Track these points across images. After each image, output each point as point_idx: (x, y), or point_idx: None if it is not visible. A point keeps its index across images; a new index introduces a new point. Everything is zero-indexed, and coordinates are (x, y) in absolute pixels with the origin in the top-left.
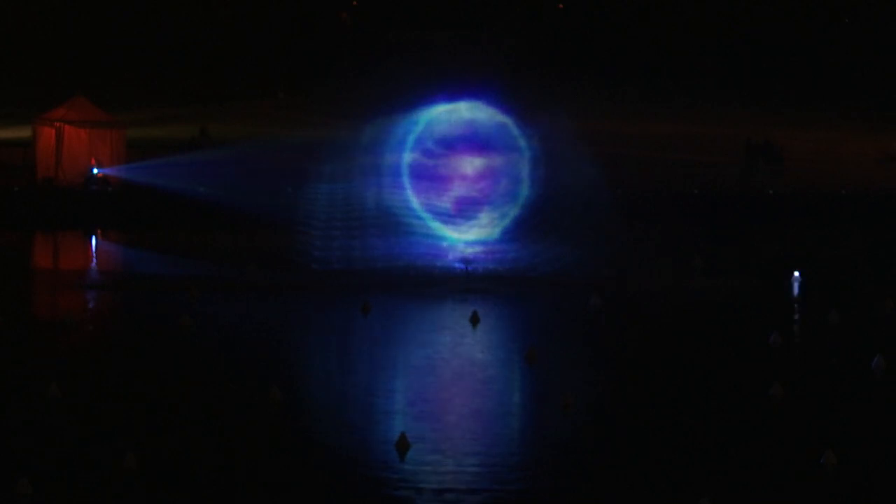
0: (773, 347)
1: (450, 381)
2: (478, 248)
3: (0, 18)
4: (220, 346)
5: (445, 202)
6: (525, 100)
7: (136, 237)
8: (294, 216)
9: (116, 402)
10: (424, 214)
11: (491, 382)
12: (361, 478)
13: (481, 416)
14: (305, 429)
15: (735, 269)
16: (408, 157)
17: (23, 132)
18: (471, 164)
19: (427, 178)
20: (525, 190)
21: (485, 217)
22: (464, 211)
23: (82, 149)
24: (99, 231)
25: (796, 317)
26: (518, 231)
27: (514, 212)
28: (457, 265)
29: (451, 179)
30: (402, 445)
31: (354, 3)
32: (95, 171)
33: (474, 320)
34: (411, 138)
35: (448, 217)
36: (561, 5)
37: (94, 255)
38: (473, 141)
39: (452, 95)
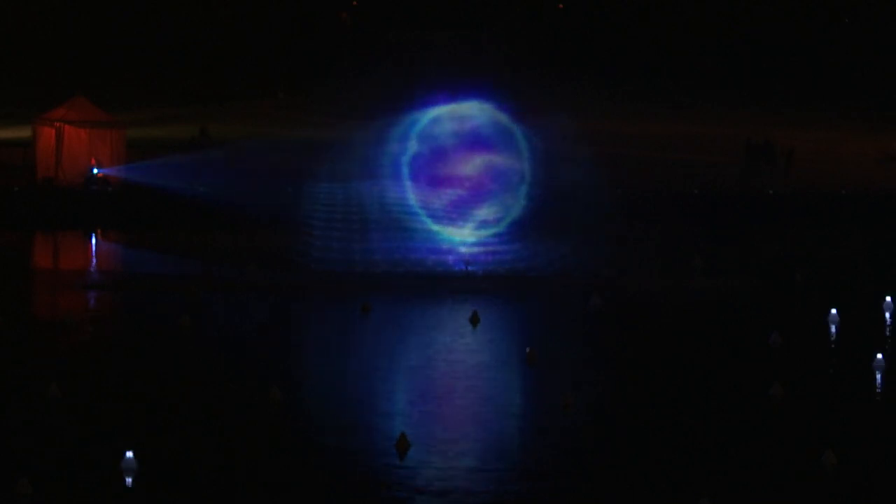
0: (773, 347)
1: (450, 381)
2: (478, 248)
3: (0, 18)
4: (220, 346)
5: (445, 202)
6: (525, 100)
7: (136, 237)
8: (294, 216)
9: (116, 402)
10: (424, 214)
11: (491, 383)
12: (361, 478)
13: (481, 417)
14: (305, 429)
15: (735, 269)
16: (408, 157)
17: (23, 132)
18: (471, 164)
19: (427, 178)
20: (525, 190)
21: (485, 217)
22: (464, 211)
23: (82, 149)
24: (99, 231)
25: (796, 317)
26: (518, 231)
27: (514, 212)
28: (457, 265)
29: (451, 179)
30: (402, 445)
31: (354, 3)
32: (95, 171)
33: (474, 320)
34: (411, 138)
35: (448, 217)
36: (561, 5)
37: (94, 255)
38: (473, 141)
39: (452, 95)
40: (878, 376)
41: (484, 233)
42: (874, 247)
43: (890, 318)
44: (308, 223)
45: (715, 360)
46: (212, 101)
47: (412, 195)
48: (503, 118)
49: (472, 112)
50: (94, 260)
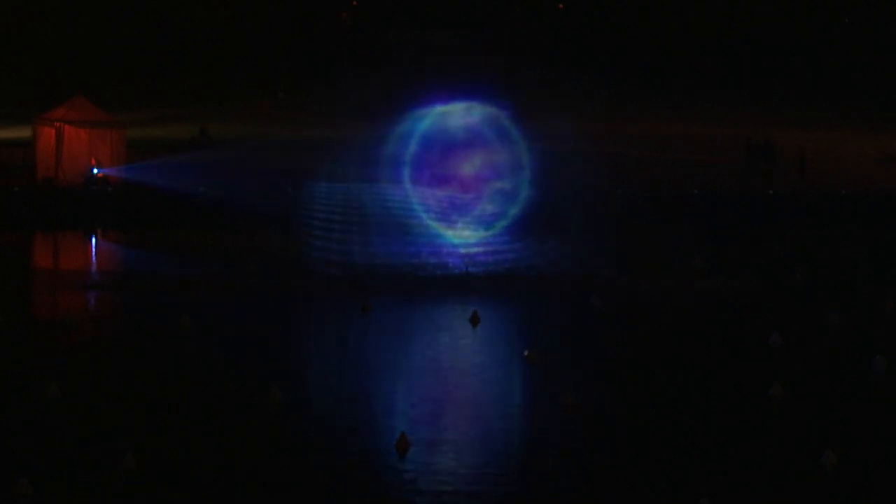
0: (773, 347)
1: (450, 381)
2: (478, 249)
3: (0, 18)
4: (220, 346)
5: (445, 202)
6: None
7: (136, 237)
8: (294, 216)
9: (116, 402)
10: (424, 214)
11: (491, 383)
12: (361, 478)
13: (481, 417)
14: (305, 429)
15: (735, 269)
16: (407, 157)
17: (23, 132)
18: (470, 165)
19: (427, 178)
20: (525, 190)
21: (485, 217)
22: (464, 211)
23: (82, 149)
24: (99, 231)
25: (796, 317)
26: (518, 231)
27: (514, 212)
28: (457, 265)
29: (451, 179)
30: (402, 446)
31: (354, 3)
32: (95, 171)
33: (474, 320)
34: (411, 138)
35: (448, 217)
36: (561, 5)
37: (94, 255)
38: (473, 141)
39: (452, 95)
40: (878, 376)
41: (484, 233)
42: (874, 247)
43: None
44: (308, 223)
45: (715, 360)
46: (212, 101)
47: (412, 195)
48: (503, 118)
49: (472, 112)
50: (94, 260)
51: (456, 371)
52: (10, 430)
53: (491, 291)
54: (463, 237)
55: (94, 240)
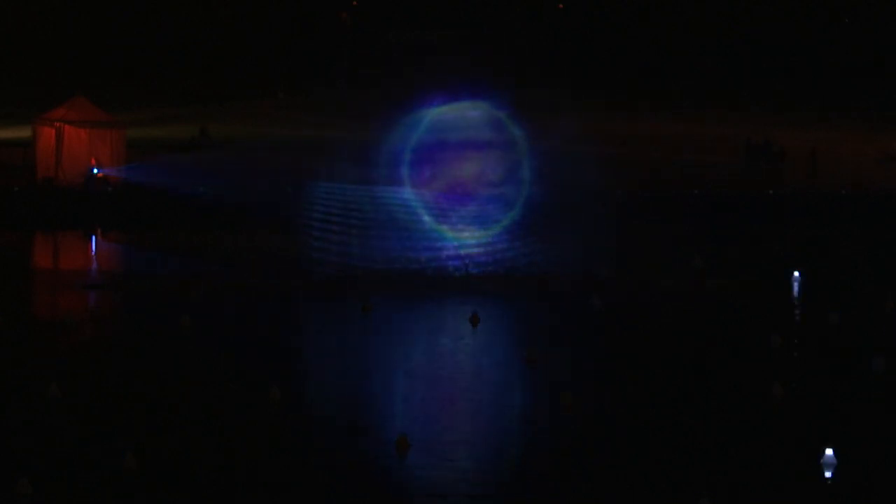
0: (773, 347)
1: (450, 381)
2: (478, 249)
3: (0, 18)
4: (219, 346)
5: (445, 202)
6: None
7: (136, 237)
8: (294, 216)
9: (116, 402)
10: (424, 214)
11: (491, 383)
12: (361, 478)
13: (481, 417)
14: (305, 429)
15: (735, 269)
16: (407, 157)
17: (23, 132)
18: (470, 164)
19: (426, 178)
20: (525, 190)
21: (485, 217)
22: (464, 211)
23: (82, 149)
24: (99, 231)
25: (796, 317)
26: (518, 231)
27: (514, 211)
28: (457, 265)
29: (451, 179)
30: (402, 446)
31: (354, 3)
32: (95, 171)
33: (474, 320)
34: (411, 138)
35: (448, 217)
36: (561, 5)
37: (94, 255)
38: (474, 141)
39: (452, 95)
40: (878, 376)
41: (484, 233)
42: (874, 247)
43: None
44: (308, 223)
45: (715, 360)
46: (212, 101)
47: (412, 195)
48: (503, 118)
49: (472, 112)
50: (94, 260)
51: (456, 371)
52: (10, 430)
53: (491, 291)
54: (463, 237)
55: (94, 240)
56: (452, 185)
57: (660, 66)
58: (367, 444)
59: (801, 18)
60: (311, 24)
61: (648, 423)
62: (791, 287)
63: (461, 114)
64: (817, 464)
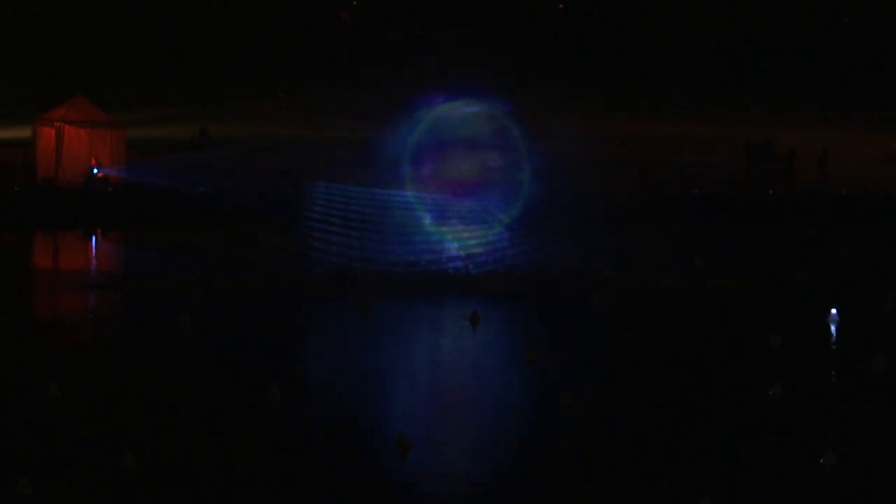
0: (773, 347)
1: (449, 381)
2: (478, 248)
3: (0, 18)
4: (220, 346)
5: (445, 202)
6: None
7: (136, 237)
8: (294, 216)
9: (116, 402)
10: (424, 214)
11: (491, 383)
12: (360, 478)
13: (481, 417)
14: (305, 429)
15: (735, 268)
16: (407, 157)
17: (23, 132)
18: (471, 164)
19: (426, 178)
20: (525, 189)
21: (485, 217)
22: (464, 211)
23: (82, 149)
24: (99, 231)
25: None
26: (518, 231)
27: (514, 211)
28: (457, 265)
29: (451, 179)
30: (402, 446)
31: (354, 3)
32: (95, 171)
33: (474, 320)
34: (411, 138)
35: (448, 217)
36: (561, 5)
37: (94, 255)
38: (473, 141)
39: (452, 95)
40: (878, 376)
41: (484, 233)
42: (874, 247)
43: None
44: (308, 223)
45: (715, 360)
46: (212, 101)
47: (412, 195)
48: (503, 118)
49: (472, 112)
50: (94, 260)
51: (455, 371)
52: (10, 430)
53: (491, 291)
54: (463, 237)
55: (94, 240)
56: (452, 184)
57: (660, 66)
58: (366, 444)
59: (801, 18)
60: (311, 24)
61: (648, 423)
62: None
63: (461, 113)
64: (817, 464)
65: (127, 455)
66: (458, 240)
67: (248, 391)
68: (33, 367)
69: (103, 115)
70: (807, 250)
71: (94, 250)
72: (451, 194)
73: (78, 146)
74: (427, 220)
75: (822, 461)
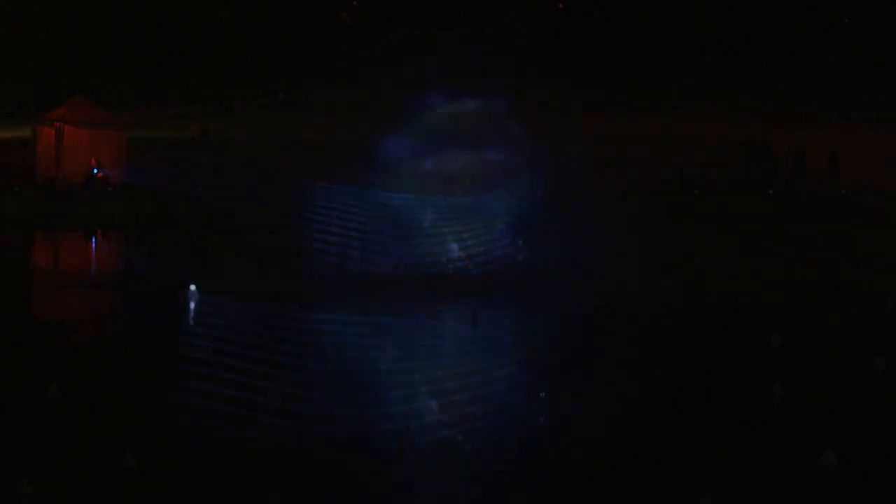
0: (773, 347)
1: (449, 381)
2: (478, 248)
3: (0, 18)
4: (219, 346)
5: (445, 202)
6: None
7: (136, 237)
8: (294, 216)
9: (116, 402)
10: (424, 214)
11: (490, 383)
12: (360, 478)
13: (481, 417)
14: (304, 429)
15: (735, 269)
16: (406, 157)
17: (23, 132)
18: (471, 164)
19: (426, 178)
20: (526, 189)
21: (485, 217)
22: (464, 211)
23: (82, 149)
24: (99, 231)
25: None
26: (519, 231)
27: (514, 212)
28: (457, 265)
29: (451, 179)
30: (402, 446)
31: (354, 3)
32: (95, 171)
33: (474, 320)
34: (410, 138)
35: (448, 217)
36: (561, 5)
37: (94, 255)
38: (473, 141)
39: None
40: (878, 376)
41: (484, 233)
42: (874, 247)
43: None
44: (307, 224)
45: (715, 360)
46: (212, 101)
47: (411, 195)
48: (503, 118)
49: (472, 112)
50: (94, 260)
51: (455, 371)
52: (10, 430)
53: (491, 291)
54: (463, 237)
55: (94, 240)
56: (452, 184)
57: (660, 66)
58: (367, 444)
59: (802, 18)
60: (311, 24)
61: (648, 423)
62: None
63: (461, 113)
64: (817, 464)
65: (127, 455)
66: (458, 240)
67: (248, 391)
68: (33, 367)
69: (103, 114)
70: (807, 251)
71: (94, 250)
72: (450, 194)
73: (78, 146)
74: (427, 220)
75: (822, 461)
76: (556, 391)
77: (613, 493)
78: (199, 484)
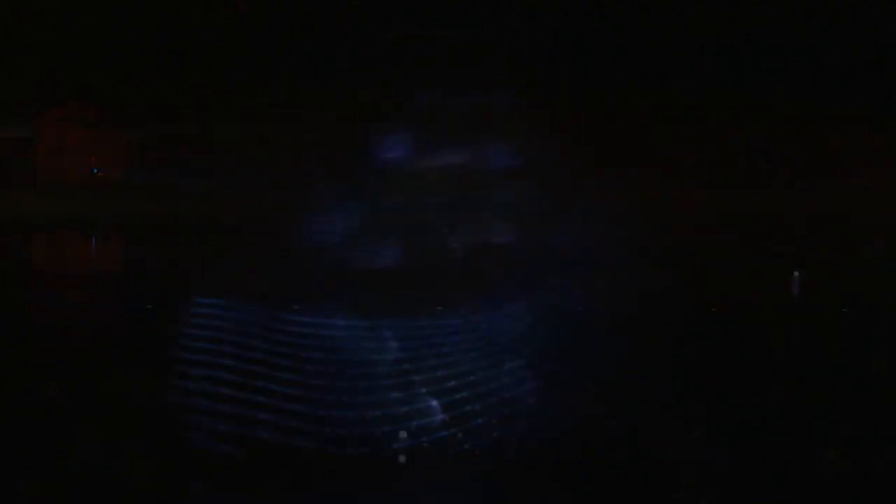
0: (777, 348)
1: (449, 381)
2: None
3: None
4: (219, 346)
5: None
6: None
7: (137, 237)
8: (294, 217)
9: (116, 402)
10: (424, 214)
11: (490, 383)
12: (359, 478)
13: (480, 417)
14: (303, 429)
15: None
16: (406, 157)
17: (23, 132)
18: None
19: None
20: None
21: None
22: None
23: (82, 149)
24: (99, 231)
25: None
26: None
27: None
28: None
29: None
30: (401, 446)
31: (355, 2)
32: (95, 171)
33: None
34: (410, 138)
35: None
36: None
37: (95, 255)
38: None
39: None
40: (878, 376)
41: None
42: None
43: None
44: (307, 224)
45: (715, 359)
46: (212, 100)
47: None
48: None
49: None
50: (94, 259)
51: (455, 371)
52: (10, 429)
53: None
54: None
55: (93, 240)
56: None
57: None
58: (366, 444)
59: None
60: (311, 24)
61: (648, 422)
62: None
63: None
64: (817, 464)
65: (127, 455)
66: (458, 239)
67: (248, 391)
68: (33, 366)
69: (103, 114)
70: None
71: (94, 250)
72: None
73: (78, 146)
74: (426, 219)
75: (821, 461)
76: (557, 391)
77: (613, 494)
78: (200, 484)
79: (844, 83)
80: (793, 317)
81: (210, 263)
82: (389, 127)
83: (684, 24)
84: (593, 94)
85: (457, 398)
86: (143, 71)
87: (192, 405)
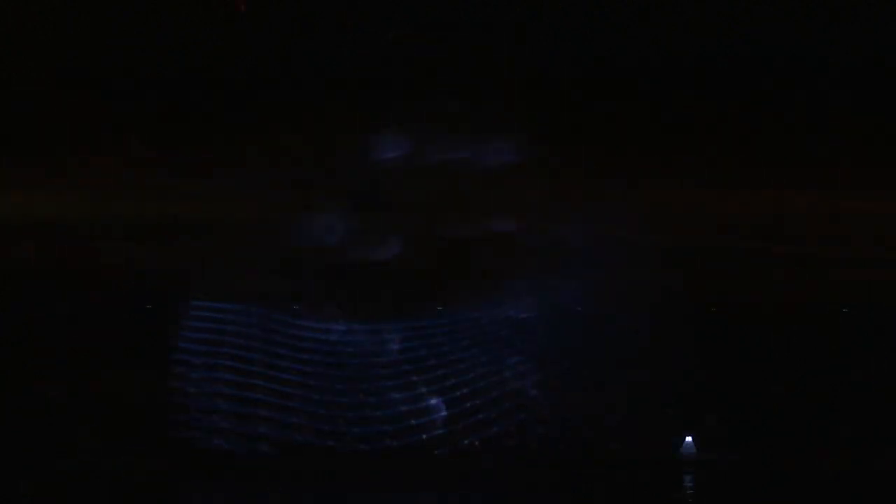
0: (773, 348)
1: (449, 381)
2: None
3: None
4: (219, 347)
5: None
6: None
7: (138, 237)
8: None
9: (117, 402)
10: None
11: (490, 383)
12: (359, 479)
13: (480, 417)
14: (303, 429)
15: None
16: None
17: None
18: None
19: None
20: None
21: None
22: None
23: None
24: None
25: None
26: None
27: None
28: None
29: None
30: (401, 446)
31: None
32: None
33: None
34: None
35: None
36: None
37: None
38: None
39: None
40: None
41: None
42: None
43: None
44: (307, 224)
45: (715, 360)
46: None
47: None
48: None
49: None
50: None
51: (455, 371)
52: (10, 429)
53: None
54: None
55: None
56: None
57: (660, 66)
58: (365, 445)
59: (802, 18)
60: (310, 24)
61: (648, 422)
62: None
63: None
64: (817, 464)
65: (126, 455)
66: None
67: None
68: (33, 367)
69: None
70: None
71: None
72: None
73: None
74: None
75: (821, 461)
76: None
77: (612, 494)
78: (200, 484)
79: (845, 83)
80: (792, 317)
81: (210, 263)
82: (389, 127)
83: (684, 24)
84: (593, 94)
85: (463, 398)
86: (143, 71)
87: (198, 405)
